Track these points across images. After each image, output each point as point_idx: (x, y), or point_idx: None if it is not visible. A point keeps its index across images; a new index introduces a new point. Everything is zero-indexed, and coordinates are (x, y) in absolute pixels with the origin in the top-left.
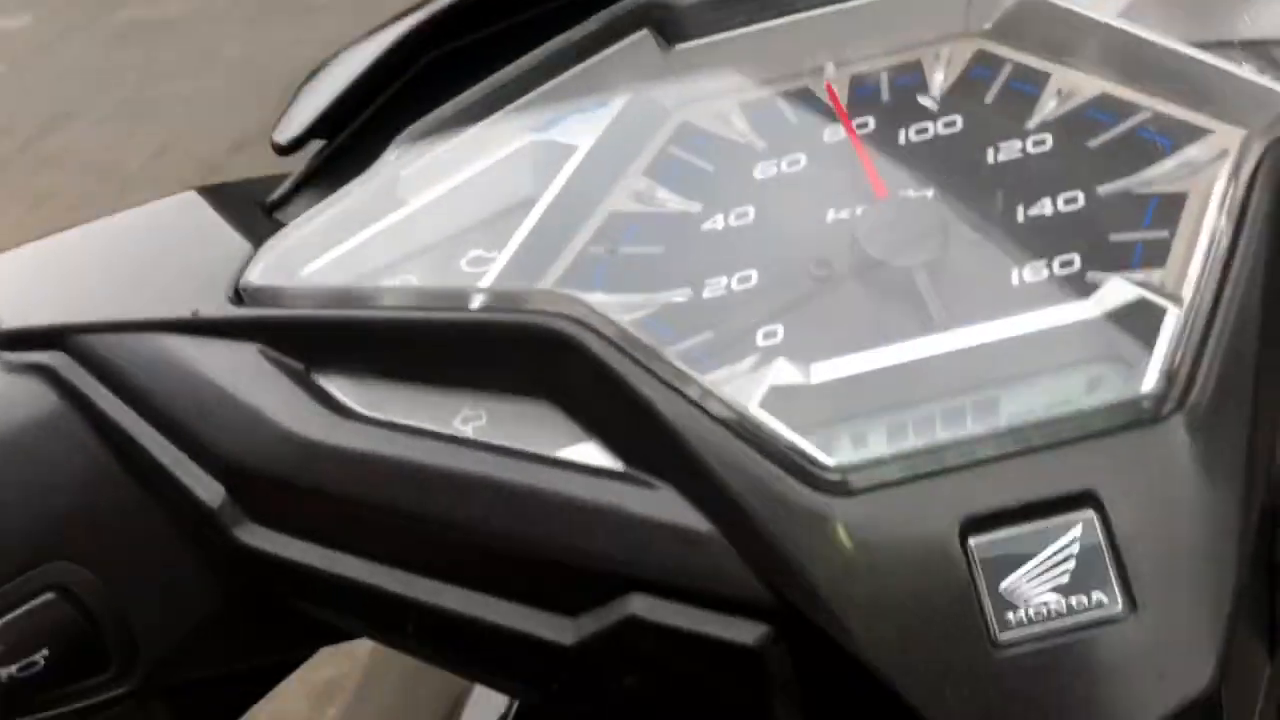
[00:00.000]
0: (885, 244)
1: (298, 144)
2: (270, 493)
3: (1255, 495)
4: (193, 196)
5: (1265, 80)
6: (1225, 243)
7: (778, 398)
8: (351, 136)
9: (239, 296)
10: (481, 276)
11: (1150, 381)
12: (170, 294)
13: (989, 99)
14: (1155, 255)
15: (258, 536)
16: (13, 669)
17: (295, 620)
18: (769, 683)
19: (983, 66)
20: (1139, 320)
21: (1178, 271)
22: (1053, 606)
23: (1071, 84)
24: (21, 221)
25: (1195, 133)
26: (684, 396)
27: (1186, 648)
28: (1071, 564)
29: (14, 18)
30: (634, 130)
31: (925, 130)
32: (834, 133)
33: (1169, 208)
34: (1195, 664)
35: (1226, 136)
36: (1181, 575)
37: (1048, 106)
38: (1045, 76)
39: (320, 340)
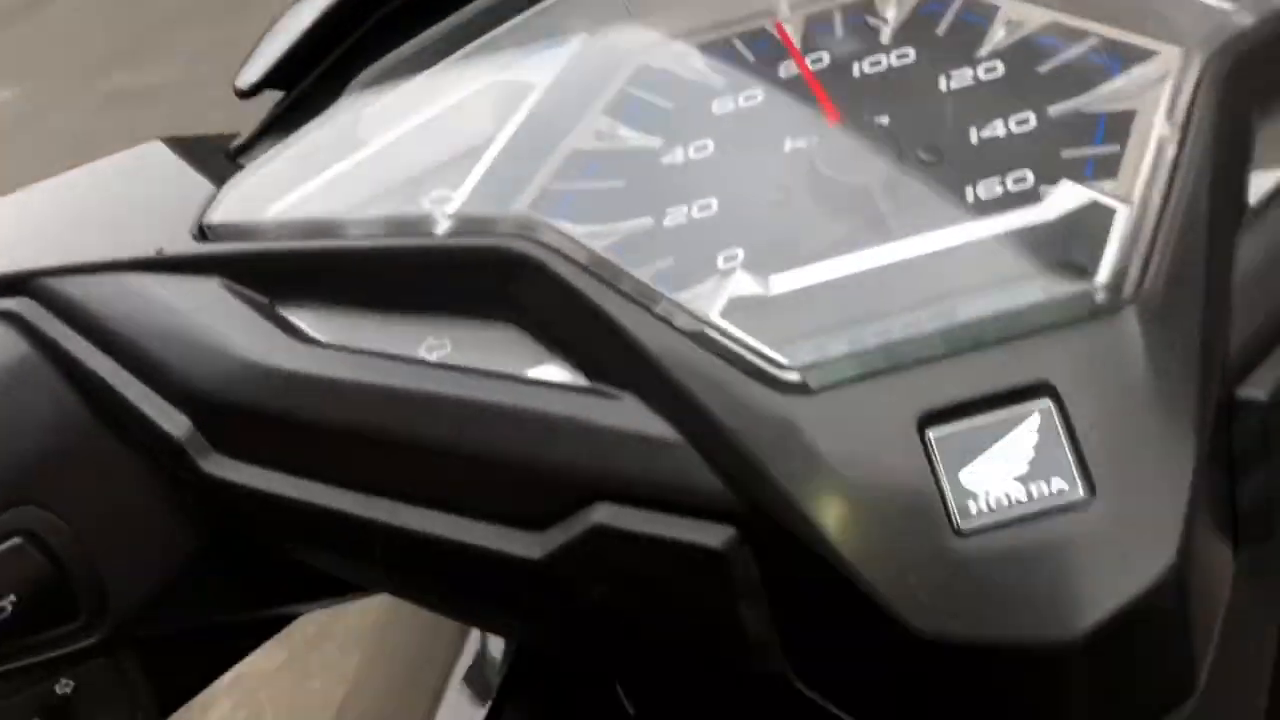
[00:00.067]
0: (841, 165)
1: (258, 88)
2: (236, 423)
3: (1210, 383)
4: (157, 145)
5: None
6: (1172, 149)
7: (737, 308)
8: (313, 85)
9: (203, 234)
10: (444, 210)
11: (1103, 275)
12: (135, 235)
13: (940, 31)
14: (1106, 168)
15: (225, 468)
16: None
17: (267, 574)
18: (734, 586)
19: (934, 2)
20: (1091, 220)
21: (1128, 180)
22: (1013, 495)
23: (1021, 14)
24: None
25: (1141, 54)
26: (646, 310)
27: (1147, 531)
28: (1030, 453)
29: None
30: (592, 71)
31: (879, 63)
32: (789, 69)
33: (1118, 124)
34: (1156, 546)
35: (1170, 55)
36: (1139, 460)
37: (998, 36)
38: (994, 9)
39: (283, 273)
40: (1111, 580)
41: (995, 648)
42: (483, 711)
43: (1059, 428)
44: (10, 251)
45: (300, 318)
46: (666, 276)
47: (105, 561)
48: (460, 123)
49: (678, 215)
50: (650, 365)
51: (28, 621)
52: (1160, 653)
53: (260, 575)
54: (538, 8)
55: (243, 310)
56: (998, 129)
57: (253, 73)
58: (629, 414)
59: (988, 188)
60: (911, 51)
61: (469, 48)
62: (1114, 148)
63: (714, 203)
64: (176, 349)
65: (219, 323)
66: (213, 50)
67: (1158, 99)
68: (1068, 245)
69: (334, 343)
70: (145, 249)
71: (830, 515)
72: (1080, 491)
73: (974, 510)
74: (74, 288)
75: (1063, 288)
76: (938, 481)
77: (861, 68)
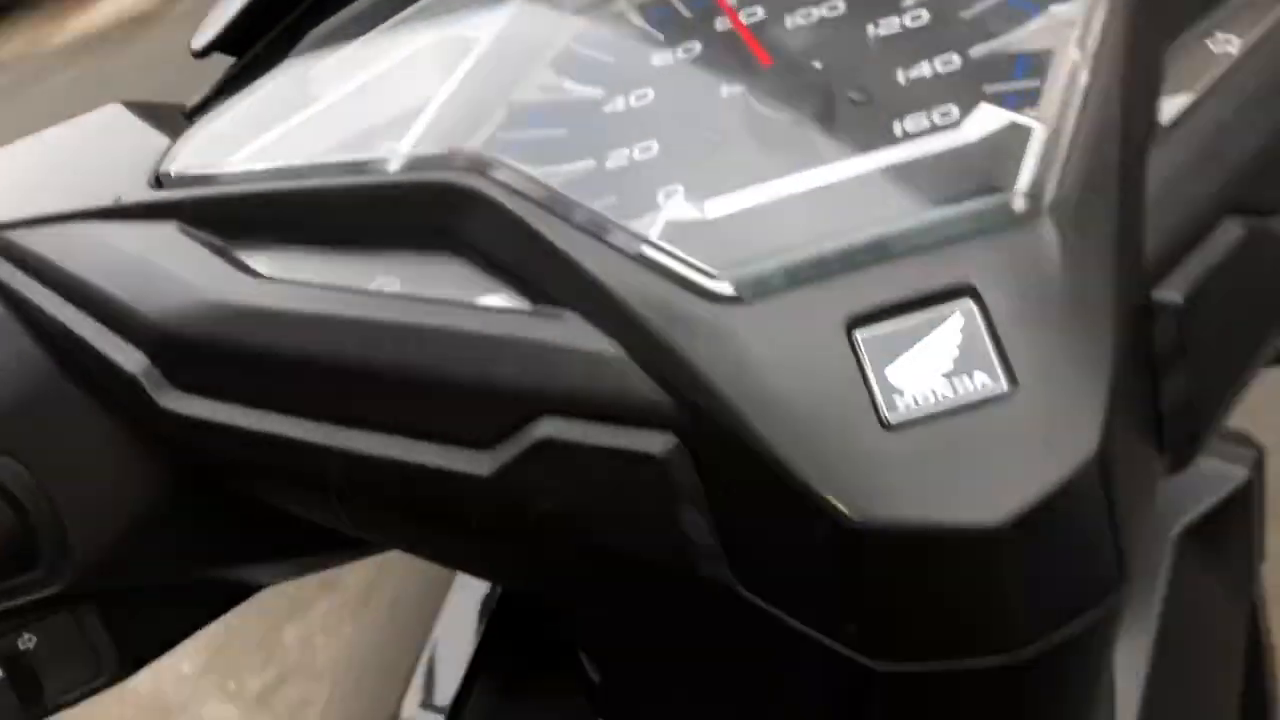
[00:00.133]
0: (775, 104)
1: (210, 49)
2: (190, 357)
3: (1125, 283)
4: (117, 107)
5: None
6: (1085, 76)
7: (675, 231)
8: (264, 49)
9: (159, 183)
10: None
11: (1021, 186)
12: (94, 187)
13: None
14: (1027, 100)
15: (180, 403)
16: None
17: (229, 530)
18: (676, 491)
19: None
20: (1009, 139)
21: (1045, 106)
22: (938, 389)
23: None
24: None
25: None
26: (589, 235)
27: (1069, 420)
28: (954, 350)
29: None
30: (535, 28)
31: (810, 15)
32: (724, 23)
33: (1037, 61)
34: (1078, 434)
35: None
36: (1059, 355)
37: None
38: None
39: (237, 215)
40: (1036, 467)
41: (925, 533)
42: (454, 687)
43: (981, 326)
44: None
45: (254, 259)
46: (609, 209)
47: (68, 508)
48: (406, 78)
49: (619, 158)
50: (592, 285)
51: None
52: (1086, 540)
53: (222, 531)
54: None
55: (198, 251)
56: (924, 70)
57: (207, 34)
58: (572, 332)
59: (914, 121)
60: (841, 4)
61: (413, 8)
62: (1034, 82)
63: (654, 145)
64: (133, 289)
65: (174, 263)
66: None
67: (1071, 33)
68: (988, 162)
69: (286, 278)
70: (104, 200)
71: (764, 415)
72: (1003, 385)
73: (900, 405)
74: (34, 240)
75: (983, 199)
76: (865, 379)
77: (794, 20)
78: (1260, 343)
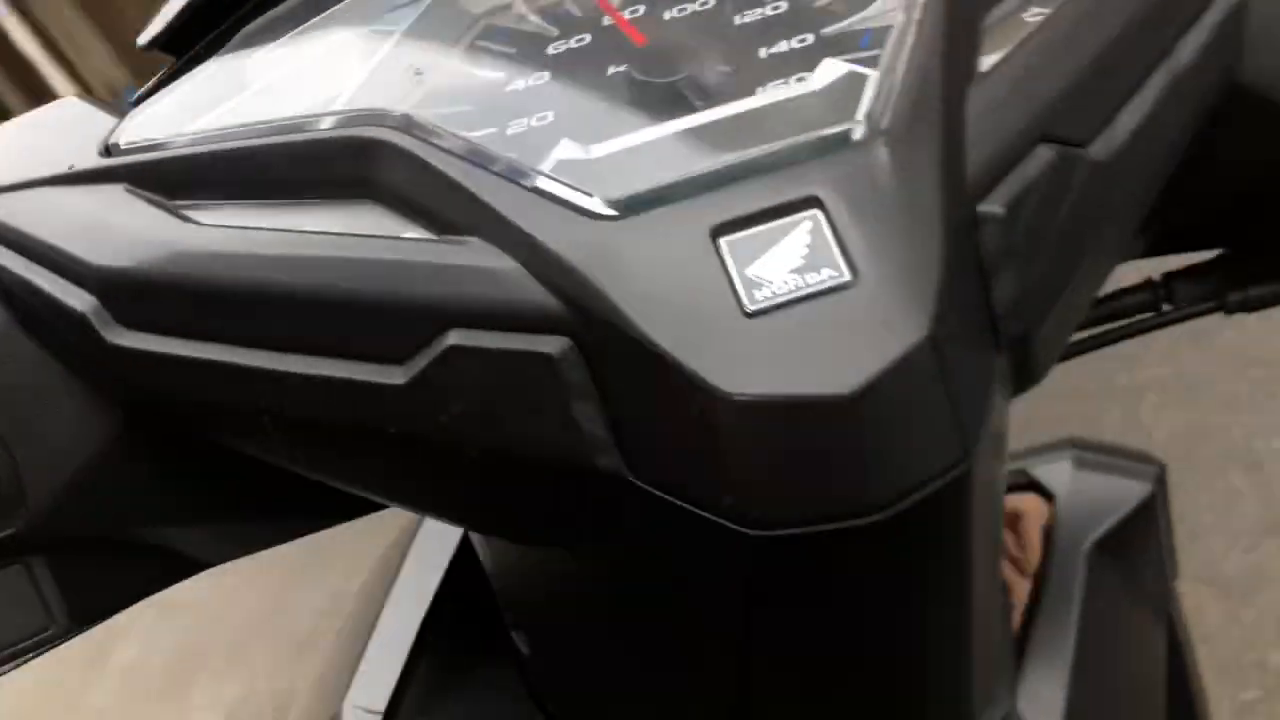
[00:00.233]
0: (652, 71)
1: (153, 46)
2: (135, 295)
3: (949, 194)
4: (70, 98)
5: None
6: (911, 35)
7: (563, 166)
8: (203, 49)
9: (108, 153)
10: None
11: (859, 116)
12: (48, 160)
13: None
14: (868, 63)
15: (127, 338)
16: None
17: (175, 485)
18: (569, 388)
19: None
20: (849, 84)
21: (881, 62)
22: (791, 282)
23: None
24: None
25: None
26: (490, 173)
27: (904, 305)
28: (804, 250)
29: None
30: (443, 25)
31: (684, 9)
32: (609, 20)
33: (879, 35)
34: (913, 317)
35: None
36: (895, 252)
37: None
38: None
39: (179, 175)
40: (877, 345)
41: (783, 403)
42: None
43: (826, 230)
44: None
45: (195, 214)
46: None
47: (20, 451)
48: (328, 67)
49: (519, 126)
50: (493, 214)
51: None
52: (926, 411)
53: (172, 486)
54: None
55: (143, 207)
56: (781, 47)
57: (150, 33)
58: (476, 254)
59: (774, 86)
60: (711, 0)
61: (334, 8)
62: (875, 51)
63: (550, 115)
64: (82, 240)
65: (121, 217)
66: None
67: (902, 8)
68: (832, 102)
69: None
70: (59, 169)
71: (643, 311)
72: (846, 276)
73: (759, 296)
74: None
75: (827, 129)
76: (728, 276)
77: (670, 13)
78: (1079, 254)
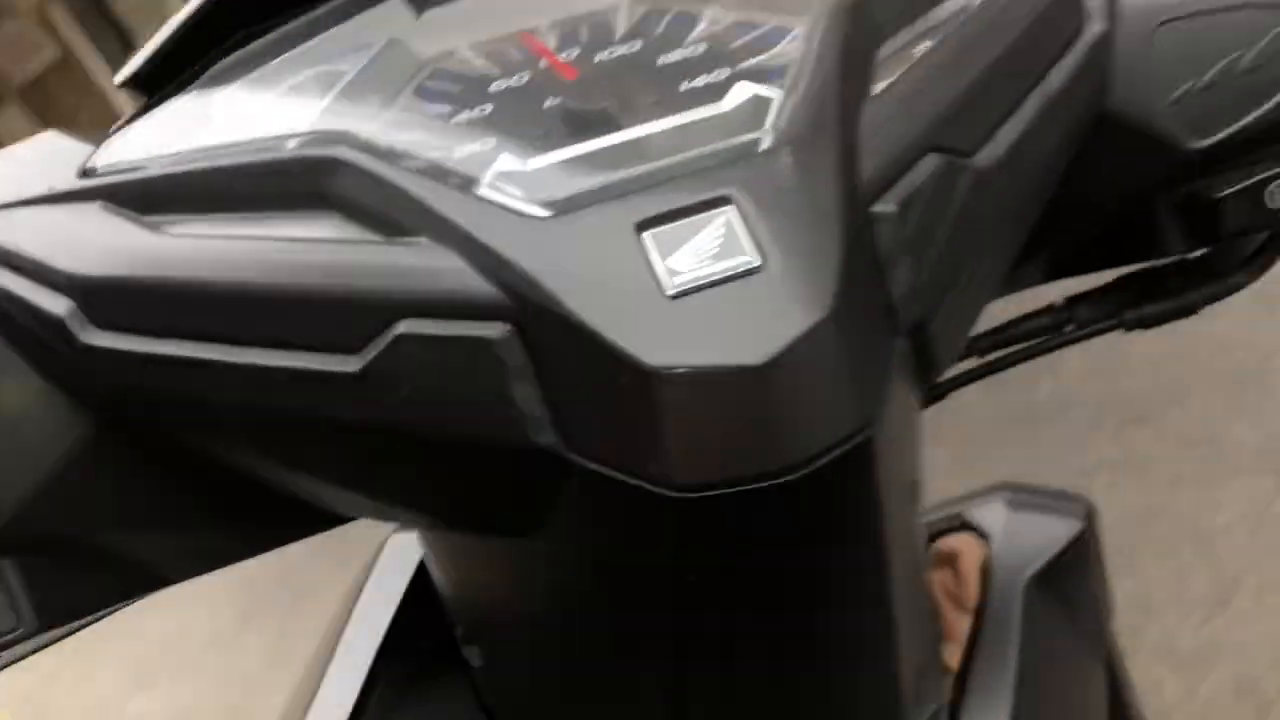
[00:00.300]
0: (585, 100)
1: (127, 84)
2: (109, 298)
3: (846, 194)
4: (52, 132)
5: None
6: (813, 62)
7: (502, 177)
8: (174, 88)
9: (86, 175)
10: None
11: (765, 128)
12: (30, 183)
13: (659, 30)
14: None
15: (100, 337)
16: None
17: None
18: (509, 370)
19: (654, 16)
20: (757, 104)
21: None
22: (707, 268)
23: (719, 14)
24: None
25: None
26: (437, 183)
27: (808, 287)
28: (719, 241)
29: None
30: (395, 68)
31: (613, 52)
32: (545, 62)
33: (784, 68)
34: (815, 299)
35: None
36: (799, 243)
37: (700, 27)
38: (701, 11)
39: (153, 193)
40: (784, 321)
41: (702, 373)
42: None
43: (738, 224)
44: None
45: (165, 226)
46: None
47: None
48: (288, 102)
49: (463, 151)
50: (438, 217)
51: None
52: (831, 381)
53: (134, 492)
54: (349, 22)
55: (118, 220)
56: (700, 81)
57: (126, 71)
58: (423, 252)
59: (692, 109)
60: (639, 43)
61: (294, 51)
62: (780, 80)
63: (492, 141)
64: (62, 252)
65: (97, 229)
66: None
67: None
68: (742, 117)
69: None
70: (38, 191)
71: (575, 297)
72: (756, 261)
73: (679, 281)
74: None
75: (738, 138)
76: (651, 265)
77: (601, 55)
78: (967, 251)
